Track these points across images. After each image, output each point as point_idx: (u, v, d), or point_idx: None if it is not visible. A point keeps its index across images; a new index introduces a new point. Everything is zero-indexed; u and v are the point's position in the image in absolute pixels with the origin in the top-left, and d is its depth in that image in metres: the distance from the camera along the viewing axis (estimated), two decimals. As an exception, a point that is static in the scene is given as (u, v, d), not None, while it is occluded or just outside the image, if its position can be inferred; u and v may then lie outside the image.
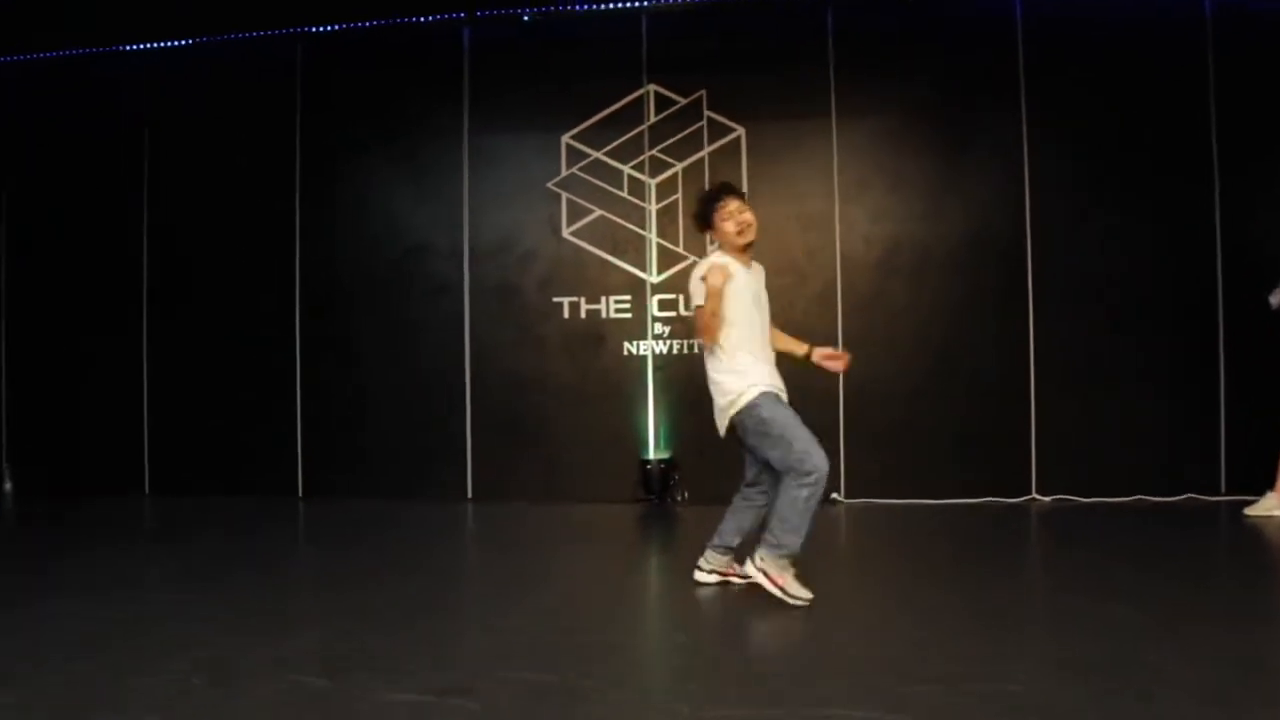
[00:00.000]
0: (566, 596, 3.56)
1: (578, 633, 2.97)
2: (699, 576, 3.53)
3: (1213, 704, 2.23)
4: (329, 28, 6.16)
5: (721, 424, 3.33)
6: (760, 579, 3.24)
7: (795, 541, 3.19)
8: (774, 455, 3.21)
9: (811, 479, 3.14)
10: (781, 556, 3.22)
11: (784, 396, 3.33)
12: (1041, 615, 3.23)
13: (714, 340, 3.25)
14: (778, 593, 3.20)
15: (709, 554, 3.55)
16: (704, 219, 3.47)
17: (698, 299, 3.27)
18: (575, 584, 3.81)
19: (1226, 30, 5.60)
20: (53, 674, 2.60)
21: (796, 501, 3.16)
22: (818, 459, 3.14)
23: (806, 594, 3.19)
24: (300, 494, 6.21)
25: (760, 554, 3.25)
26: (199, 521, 5.36)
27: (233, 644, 2.85)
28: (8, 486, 6.48)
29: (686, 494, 5.74)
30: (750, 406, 3.23)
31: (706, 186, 3.66)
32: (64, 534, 5.13)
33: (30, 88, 6.51)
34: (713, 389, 3.34)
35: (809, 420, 3.28)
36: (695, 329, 3.39)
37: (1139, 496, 5.53)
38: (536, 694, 2.37)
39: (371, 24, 6.09)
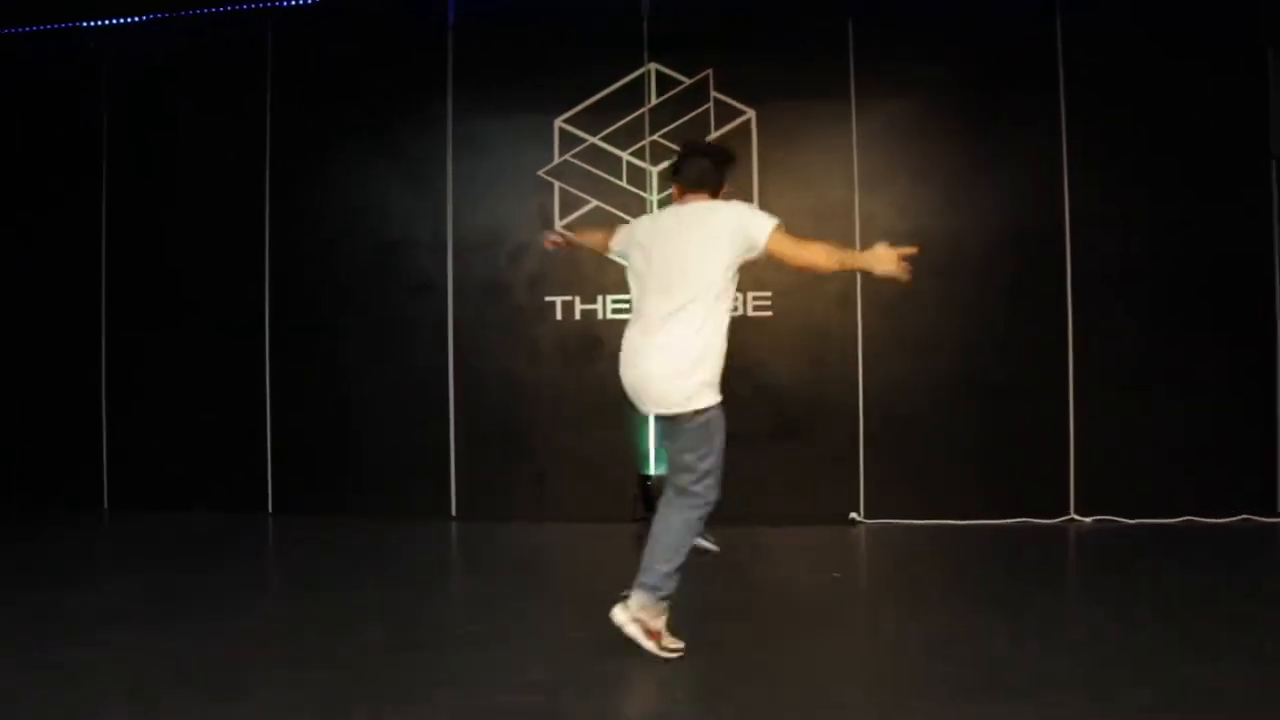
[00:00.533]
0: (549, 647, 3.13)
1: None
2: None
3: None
4: (301, 2, 5.74)
5: (690, 399, 2.84)
6: (633, 632, 2.84)
7: (674, 582, 2.86)
8: (698, 464, 2.85)
9: (707, 504, 2.88)
10: (661, 600, 2.87)
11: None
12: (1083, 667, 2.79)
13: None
14: (651, 646, 2.83)
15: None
16: (718, 180, 3.06)
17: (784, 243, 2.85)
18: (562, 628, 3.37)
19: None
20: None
21: (689, 524, 2.87)
22: (719, 488, 2.91)
23: (679, 644, 2.88)
24: (270, 510, 5.79)
25: (635, 599, 2.86)
26: (150, 541, 4.96)
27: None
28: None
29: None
30: (710, 413, 2.87)
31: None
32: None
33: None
34: (704, 352, 2.84)
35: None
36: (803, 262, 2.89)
37: (1188, 518, 5.11)
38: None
39: (348, -2, 5.66)
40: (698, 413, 2.84)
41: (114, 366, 5.99)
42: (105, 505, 5.99)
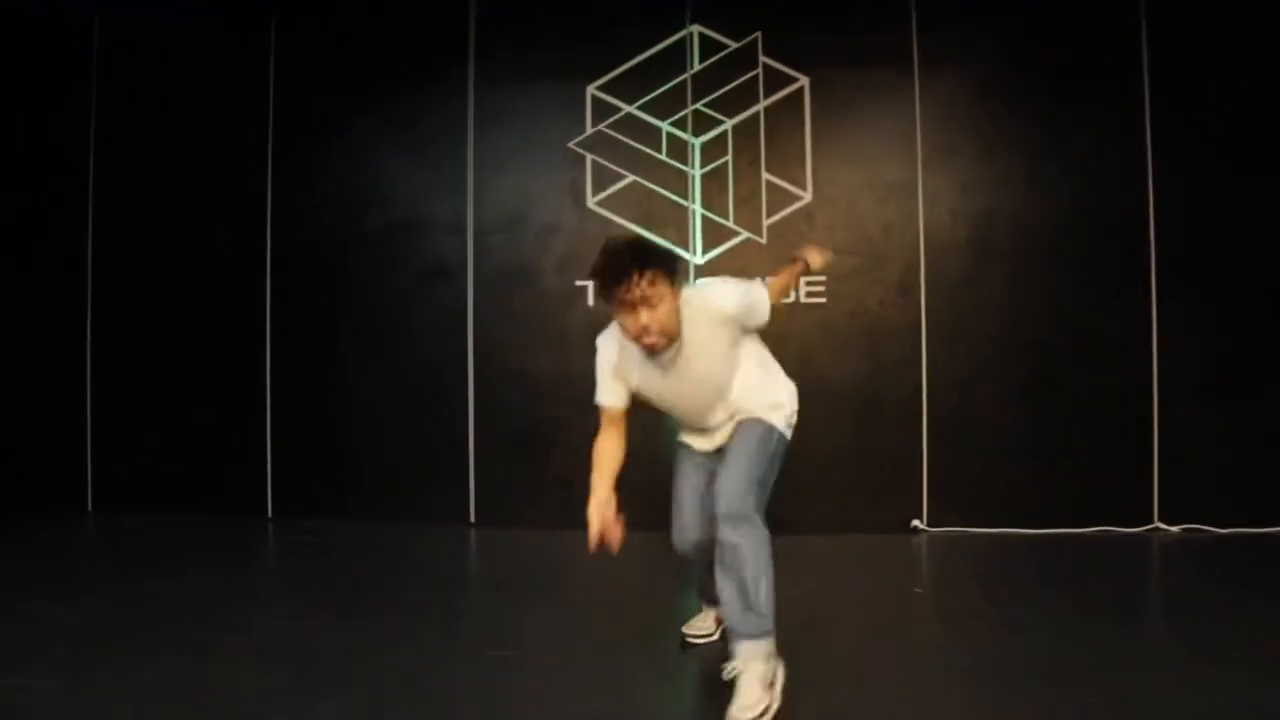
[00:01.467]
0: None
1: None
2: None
3: None
4: (309, -42, 5.37)
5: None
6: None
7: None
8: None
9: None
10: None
11: (701, 450, 2.85)
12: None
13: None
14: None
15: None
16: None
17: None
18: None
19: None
20: None
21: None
22: (675, 538, 2.84)
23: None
24: (270, 514, 5.43)
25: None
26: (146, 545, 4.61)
27: None
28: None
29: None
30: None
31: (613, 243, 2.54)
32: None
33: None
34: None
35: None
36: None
37: (1285, 528, 4.76)
38: None
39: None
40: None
41: (100, 358, 5.62)
42: (89, 508, 5.63)
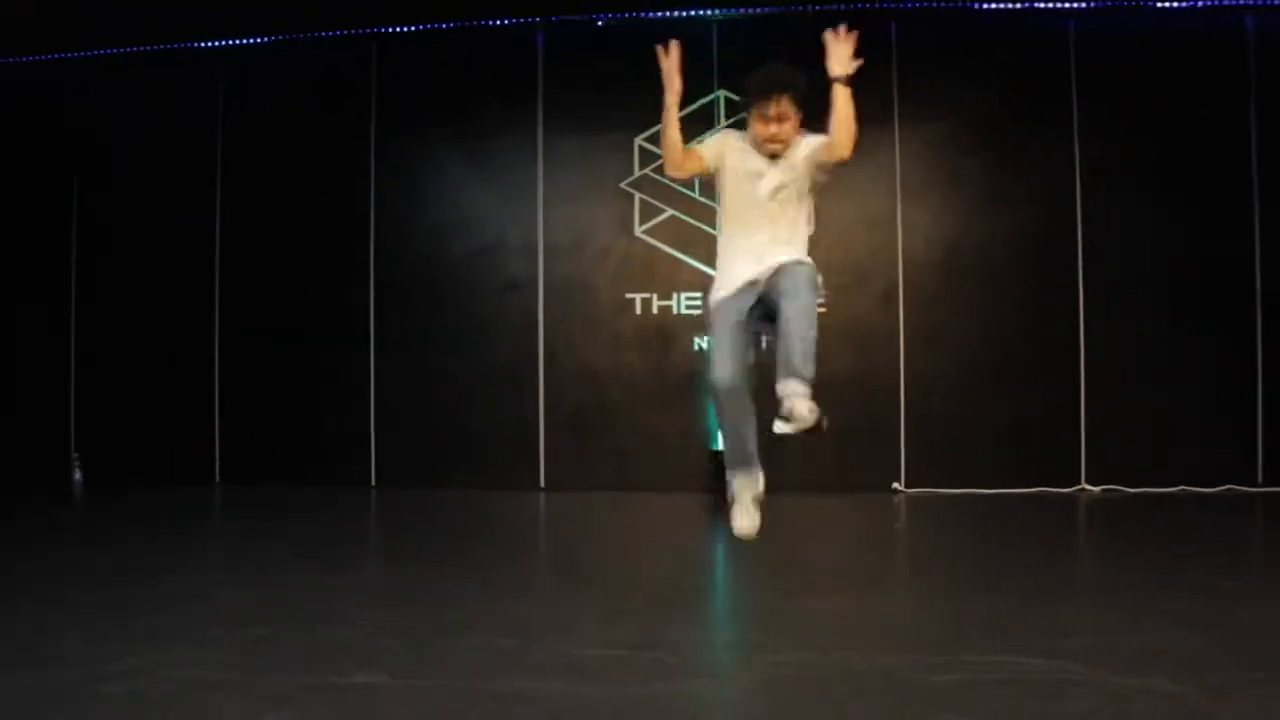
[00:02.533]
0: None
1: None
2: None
3: None
4: (404, 29, 6.62)
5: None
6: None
7: (727, 451, 3.30)
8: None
9: (710, 390, 3.23)
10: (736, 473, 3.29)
11: (758, 281, 3.24)
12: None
13: (670, 169, 3.31)
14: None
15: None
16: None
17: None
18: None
19: (1265, 46, 6.25)
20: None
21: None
22: (718, 372, 3.17)
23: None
24: (374, 483, 6.68)
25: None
26: (276, 508, 5.86)
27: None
28: (78, 476, 6.87)
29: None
30: (707, 310, 3.40)
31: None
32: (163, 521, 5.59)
33: (100, 84, 6.93)
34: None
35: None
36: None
37: (1183, 487, 6.13)
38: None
39: (446, 26, 6.57)
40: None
41: (228, 352, 6.83)
42: (217, 480, 6.85)
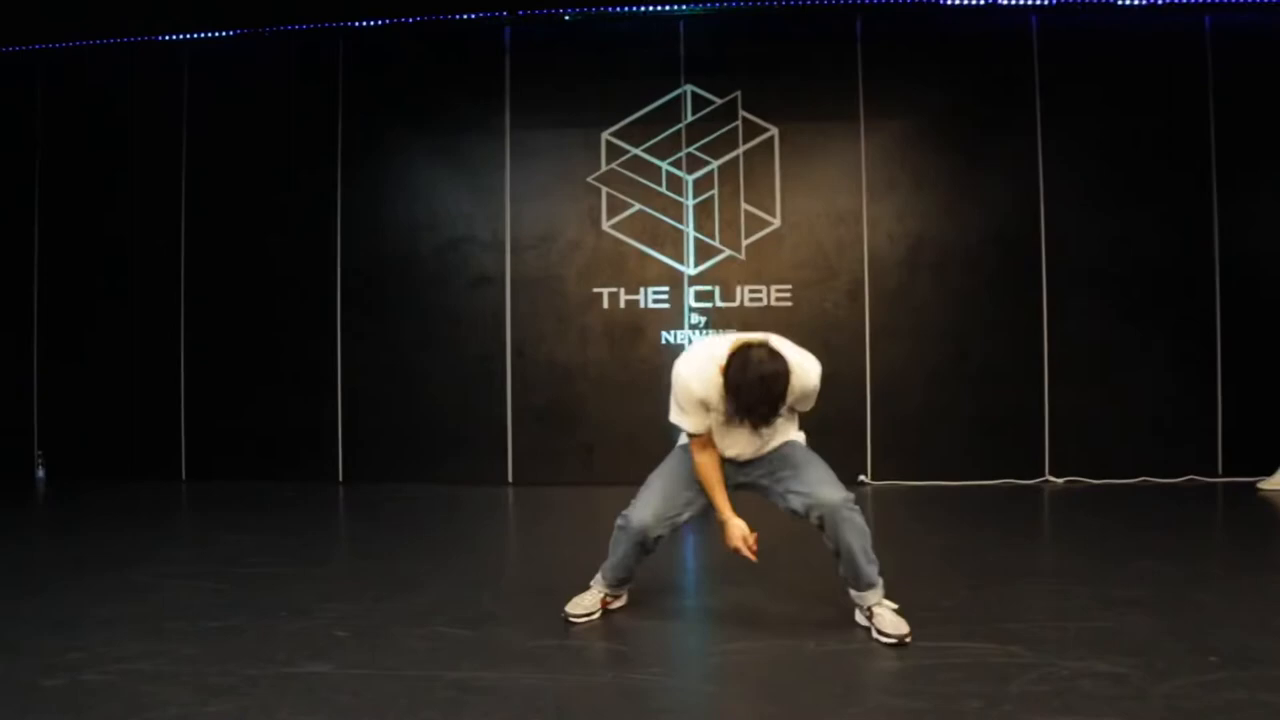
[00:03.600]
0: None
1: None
2: None
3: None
4: (371, 23, 6.58)
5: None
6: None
7: (608, 563, 3.14)
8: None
9: (622, 517, 3.07)
10: (601, 577, 3.16)
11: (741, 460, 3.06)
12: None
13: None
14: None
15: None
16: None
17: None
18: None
19: (1224, 45, 6.33)
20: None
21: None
22: (634, 510, 3.05)
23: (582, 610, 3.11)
24: (340, 479, 6.64)
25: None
26: (235, 504, 5.81)
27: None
28: (41, 473, 6.78)
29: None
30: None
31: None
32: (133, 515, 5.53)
33: (62, 76, 6.84)
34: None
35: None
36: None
37: (1144, 478, 6.19)
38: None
39: (414, 20, 6.53)
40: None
41: (193, 346, 6.76)
42: (183, 476, 6.78)
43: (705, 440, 2.96)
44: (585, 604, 3.10)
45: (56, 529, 5.22)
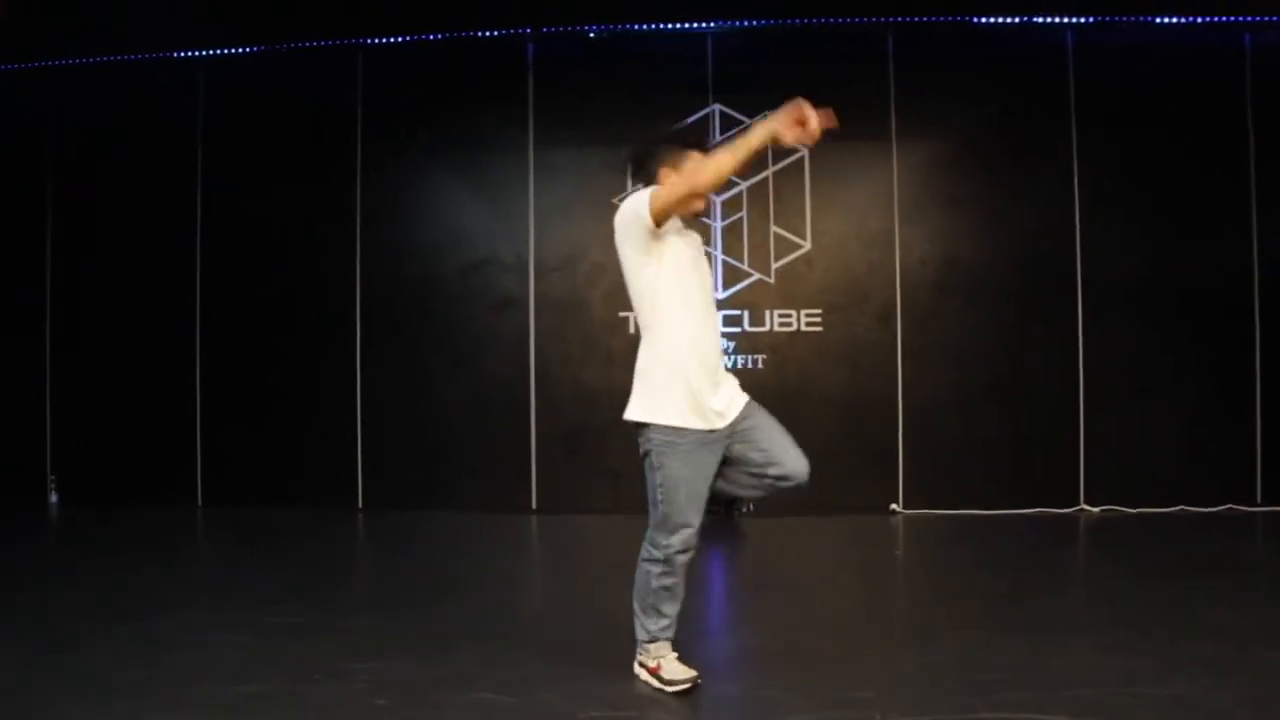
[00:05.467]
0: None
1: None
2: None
3: None
4: (391, 39, 6.44)
5: (629, 409, 2.87)
6: (641, 674, 2.93)
7: (654, 625, 2.87)
8: (652, 496, 2.83)
9: (660, 553, 2.78)
10: (648, 644, 2.90)
11: (715, 420, 2.80)
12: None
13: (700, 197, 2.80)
14: (652, 681, 2.89)
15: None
16: (645, 170, 2.92)
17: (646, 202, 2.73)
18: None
19: (1263, 62, 6.18)
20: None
21: (642, 577, 2.86)
22: (684, 520, 2.76)
23: (688, 674, 2.86)
24: (360, 505, 6.50)
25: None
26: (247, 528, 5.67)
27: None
28: (54, 498, 6.66)
29: (751, 506, 6.14)
30: (646, 439, 2.82)
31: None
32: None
33: (82, 92, 6.70)
34: (645, 365, 2.85)
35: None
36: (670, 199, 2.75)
37: (1182, 507, 6.04)
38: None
39: (435, 37, 6.39)
40: (636, 427, 2.82)
41: (209, 370, 6.63)
42: (200, 501, 6.64)
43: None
44: (678, 670, 2.87)
45: (72, 564, 5.06)
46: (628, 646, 3.01)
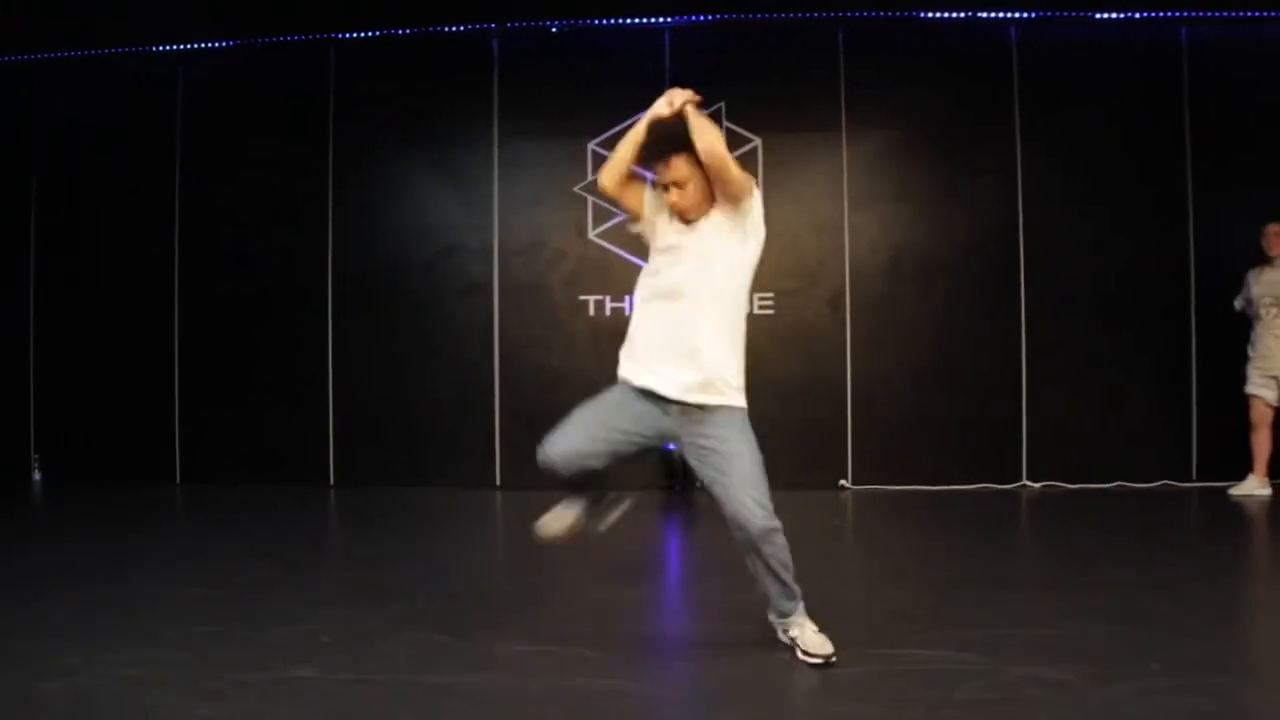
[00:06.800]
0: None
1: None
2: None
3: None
4: (362, 34, 6.70)
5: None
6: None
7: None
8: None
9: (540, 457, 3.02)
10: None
11: (662, 387, 2.85)
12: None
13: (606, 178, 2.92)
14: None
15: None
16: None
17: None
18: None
19: (1199, 55, 6.46)
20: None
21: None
22: (555, 447, 3.02)
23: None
24: (331, 482, 6.77)
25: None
26: (227, 506, 5.94)
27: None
28: (37, 475, 6.92)
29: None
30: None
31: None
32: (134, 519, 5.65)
33: (62, 86, 6.95)
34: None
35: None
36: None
37: (1120, 483, 6.33)
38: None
39: (404, 32, 6.65)
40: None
41: (187, 353, 6.89)
42: (178, 479, 6.90)
43: (633, 180, 2.95)
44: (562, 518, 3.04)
45: (54, 535, 5.33)
46: (560, 600, 3.28)
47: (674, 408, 2.87)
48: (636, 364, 2.94)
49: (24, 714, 2.44)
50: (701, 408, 2.85)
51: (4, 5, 5.98)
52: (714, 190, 2.85)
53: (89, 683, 2.65)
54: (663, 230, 2.92)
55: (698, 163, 2.78)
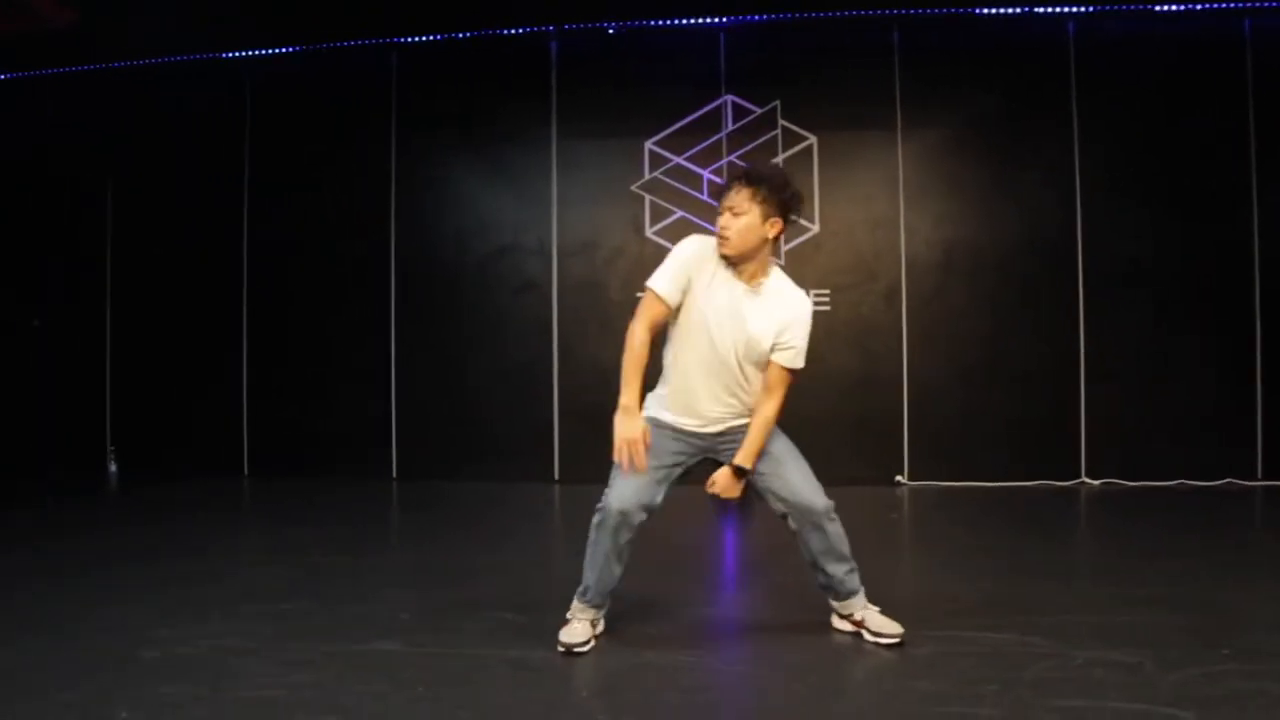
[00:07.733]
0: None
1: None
2: None
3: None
4: (423, 38, 6.86)
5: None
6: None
7: (589, 578, 2.94)
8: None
9: (600, 509, 2.93)
10: (582, 600, 2.97)
11: (683, 429, 2.96)
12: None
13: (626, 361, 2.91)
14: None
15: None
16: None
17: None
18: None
19: (1263, 47, 6.34)
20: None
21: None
22: (611, 495, 2.88)
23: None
24: (394, 476, 6.93)
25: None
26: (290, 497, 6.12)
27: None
28: (113, 468, 7.18)
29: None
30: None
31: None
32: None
33: (135, 93, 7.22)
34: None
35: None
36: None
37: (1181, 481, 6.24)
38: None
39: (464, 35, 6.80)
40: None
41: (255, 350, 7.11)
42: (245, 472, 7.12)
43: (659, 312, 2.86)
44: (578, 633, 2.89)
45: (134, 519, 5.54)
46: (624, 587, 3.34)
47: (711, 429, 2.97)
48: (672, 413, 2.99)
49: (128, 677, 2.58)
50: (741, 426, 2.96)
51: (91, 18, 6.20)
52: (774, 247, 2.94)
53: (185, 651, 2.79)
54: (705, 294, 2.84)
55: (761, 202, 2.79)
